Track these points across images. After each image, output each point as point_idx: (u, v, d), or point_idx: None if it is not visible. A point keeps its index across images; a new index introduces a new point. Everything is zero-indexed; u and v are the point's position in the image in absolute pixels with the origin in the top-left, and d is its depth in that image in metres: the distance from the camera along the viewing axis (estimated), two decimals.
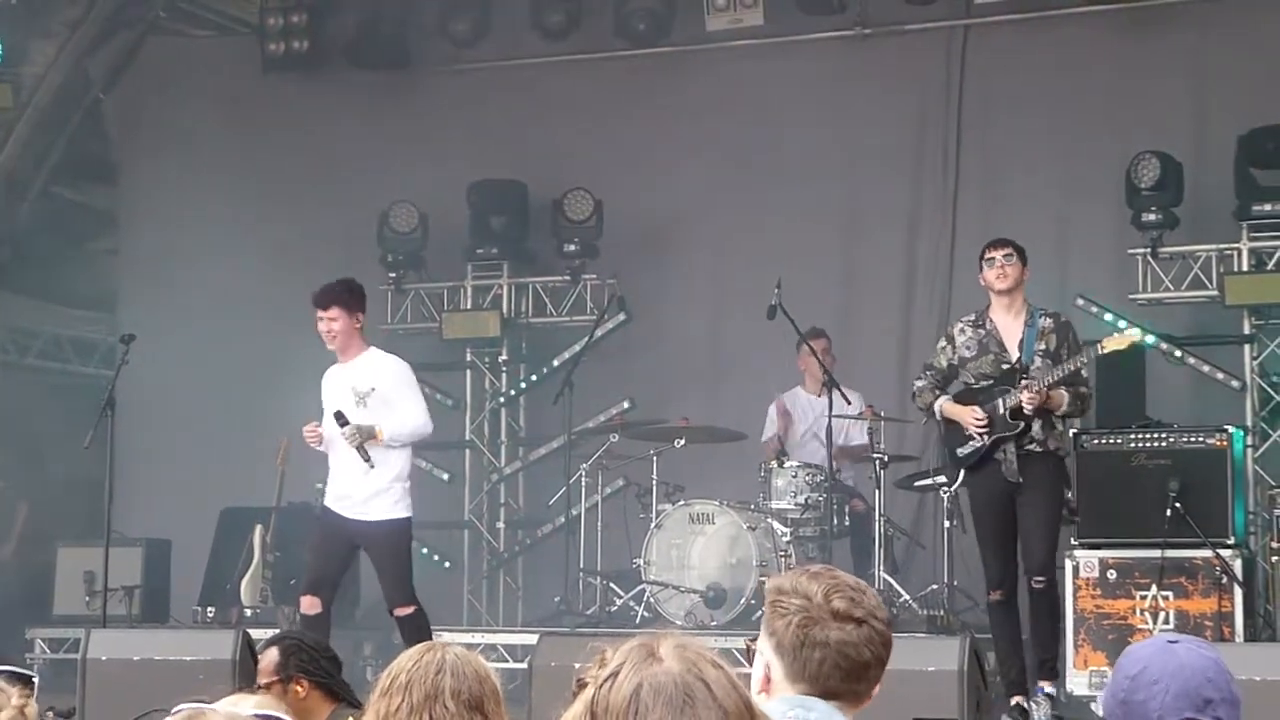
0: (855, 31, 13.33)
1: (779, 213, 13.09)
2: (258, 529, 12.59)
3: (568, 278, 13.76)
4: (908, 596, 11.07)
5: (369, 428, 9.44)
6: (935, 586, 11.10)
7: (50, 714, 8.85)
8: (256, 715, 2.45)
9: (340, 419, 9.44)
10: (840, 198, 13.21)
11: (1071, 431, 9.84)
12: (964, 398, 9.22)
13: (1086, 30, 12.71)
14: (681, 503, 11.40)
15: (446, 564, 13.78)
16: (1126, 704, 3.27)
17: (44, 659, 12.55)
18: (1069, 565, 9.84)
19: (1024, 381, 8.92)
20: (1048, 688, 9.02)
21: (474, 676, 3.65)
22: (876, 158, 13.06)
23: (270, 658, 6.02)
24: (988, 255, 9.20)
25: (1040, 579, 8.96)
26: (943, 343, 9.36)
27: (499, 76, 14.23)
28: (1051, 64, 12.70)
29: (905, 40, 13.26)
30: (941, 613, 10.73)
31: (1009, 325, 9.14)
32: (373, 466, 9.42)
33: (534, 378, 14.01)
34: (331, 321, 9.49)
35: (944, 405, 9.24)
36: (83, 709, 8.60)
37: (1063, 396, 8.96)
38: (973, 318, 9.27)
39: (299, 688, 5.95)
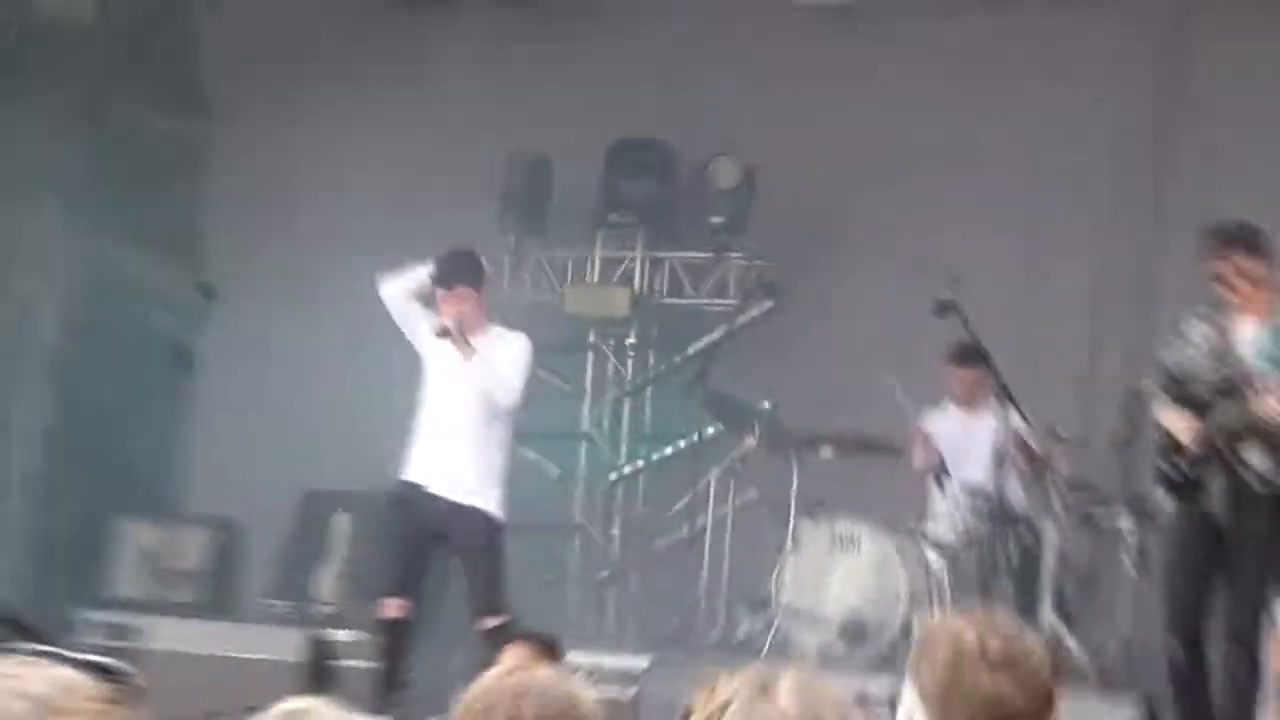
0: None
1: (953, 201, 13.00)
2: (342, 516, 12.71)
3: (711, 254, 13.72)
4: (1078, 646, 10.97)
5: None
6: (1111, 637, 11.01)
7: None
8: None
9: (444, 331, 9.55)
10: (1022, 186, 13.09)
11: None
12: (1181, 402, 9.05)
13: None
14: (823, 521, 11.37)
15: (549, 577, 13.76)
16: None
17: (97, 645, 12.74)
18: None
19: (1258, 385, 8.68)
20: None
21: (566, 701, 3.67)
22: (1064, 140, 12.94)
23: None
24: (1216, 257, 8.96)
25: (1238, 644, 8.75)
26: (1178, 341, 9.17)
27: (648, 21, 14.21)
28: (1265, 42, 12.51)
29: (1100, 14, 13.12)
30: (1117, 667, 10.64)
31: (1245, 324, 8.95)
32: (466, 346, 9.47)
33: (665, 366, 14.01)
34: (462, 303, 9.57)
35: (1161, 410, 9.08)
36: None
37: None
38: (1205, 311, 9.08)
39: None
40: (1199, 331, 9.02)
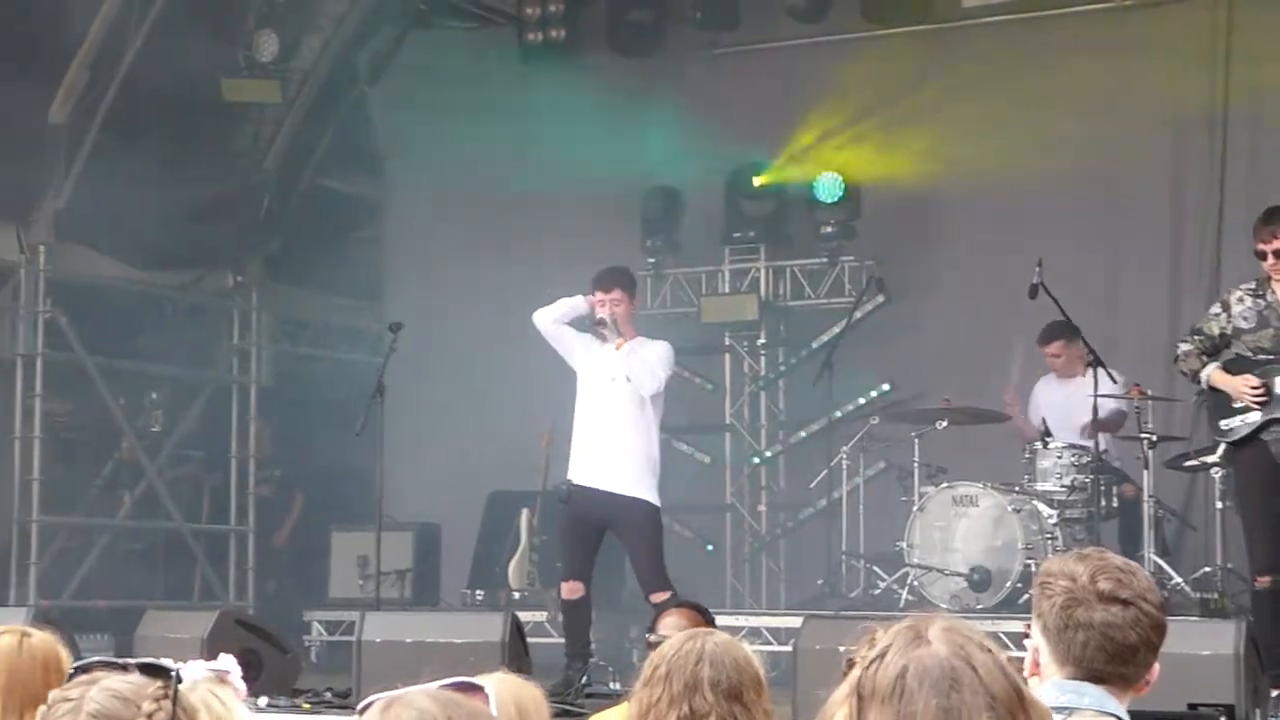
0: (1116, 3, 13.09)
1: (1039, 190, 12.90)
2: (524, 512, 12.81)
3: (825, 260, 13.75)
4: (1179, 579, 10.83)
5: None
6: (1208, 569, 10.87)
7: (328, 694, 9.14)
8: (448, 684, 2.51)
9: (601, 320, 9.59)
10: (1102, 173, 12.99)
11: None
12: (1235, 368, 8.87)
13: None
14: (944, 485, 11.34)
15: (709, 547, 13.87)
16: None
17: (320, 641, 12.93)
18: None
19: None
20: None
21: (733, 666, 3.67)
22: (1138, 131, 12.81)
23: None
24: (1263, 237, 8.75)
25: None
26: (1217, 309, 8.97)
27: (753, 60, 14.25)
28: None
29: (1168, 11, 12.98)
30: (1215, 596, 10.50)
31: None
32: (618, 334, 9.52)
33: (793, 360, 14.02)
34: (615, 304, 9.66)
35: (1213, 373, 8.90)
36: (358, 690, 8.82)
37: None
38: (1253, 286, 8.85)
39: None
40: (1245, 303, 8.85)
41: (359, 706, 2.47)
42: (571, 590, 9.72)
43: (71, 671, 2.49)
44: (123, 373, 13.87)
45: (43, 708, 2.41)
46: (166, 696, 2.34)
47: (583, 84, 14.45)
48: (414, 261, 14.91)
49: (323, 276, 15.31)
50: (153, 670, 2.39)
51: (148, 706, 2.33)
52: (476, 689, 2.60)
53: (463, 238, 14.38)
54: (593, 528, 9.84)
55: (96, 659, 2.50)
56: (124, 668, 2.41)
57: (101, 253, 13.83)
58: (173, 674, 2.37)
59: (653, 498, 9.72)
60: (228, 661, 2.48)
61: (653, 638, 6.39)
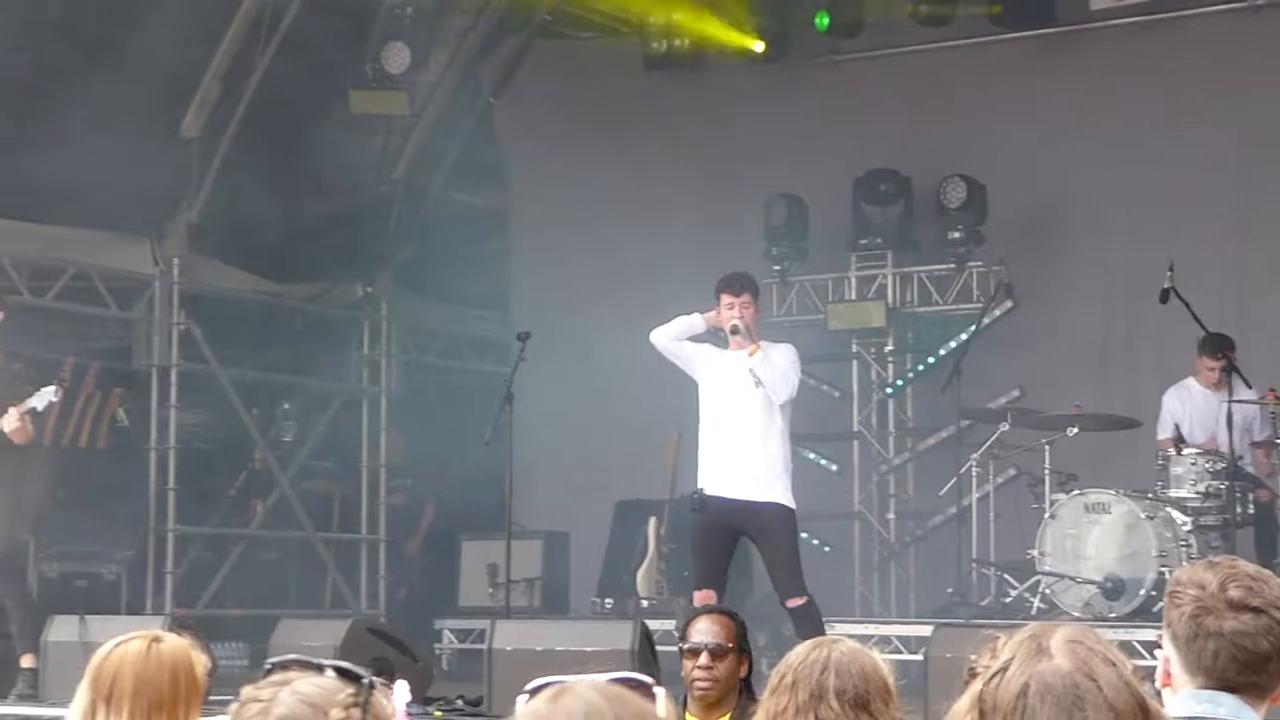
0: (1247, 4, 12.93)
1: (1169, 193, 12.78)
2: (652, 521, 12.84)
3: (953, 266, 13.68)
4: None
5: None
6: None
7: (459, 701, 9.21)
8: (616, 679, 2.48)
9: (734, 328, 9.58)
10: (1233, 176, 12.83)
11: None
12: None
13: None
14: (1076, 492, 11.23)
15: (827, 548, 13.70)
16: None
17: (451, 649, 13.04)
18: None
19: None
20: None
21: (859, 674, 3.65)
22: (1270, 133, 12.64)
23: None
24: None
25: None
26: None
27: (876, 66, 14.21)
28: None
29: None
30: None
31: None
32: (751, 339, 9.53)
33: (921, 367, 13.96)
34: (744, 308, 9.66)
35: None
36: (489, 697, 8.89)
37: None
38: None
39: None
40: None
41: (528, 687, 2.45)
42: (704, 599, 9.69)
43: (267, 667, 2.49)
44: (255, 383, 14.07)
45: (234, 704, 2.42)
46: (356, 705, 2.34)
47: (707, 92, 14.49)
48: (541, 271, 15.00)
49: (451, 287, 15.44)
50: (347, 674, 2.38)
51: (336, 714, 2.34)
52: (645, 687, 2.58)
53: (588, 247, 14.46)
54: (726, 536, 9.78)
55: (292, 657, 2.50)
56: (319, 669, 2.41)
57: (233, 265, 14.04)
58: (365, 681, 2.36)
59: (788, 501, 9.65)
60: (401, 688, 2.48)
61: (685, 646, 6.35)
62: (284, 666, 2.44)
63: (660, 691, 2.63)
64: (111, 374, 13.56)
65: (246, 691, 2.39)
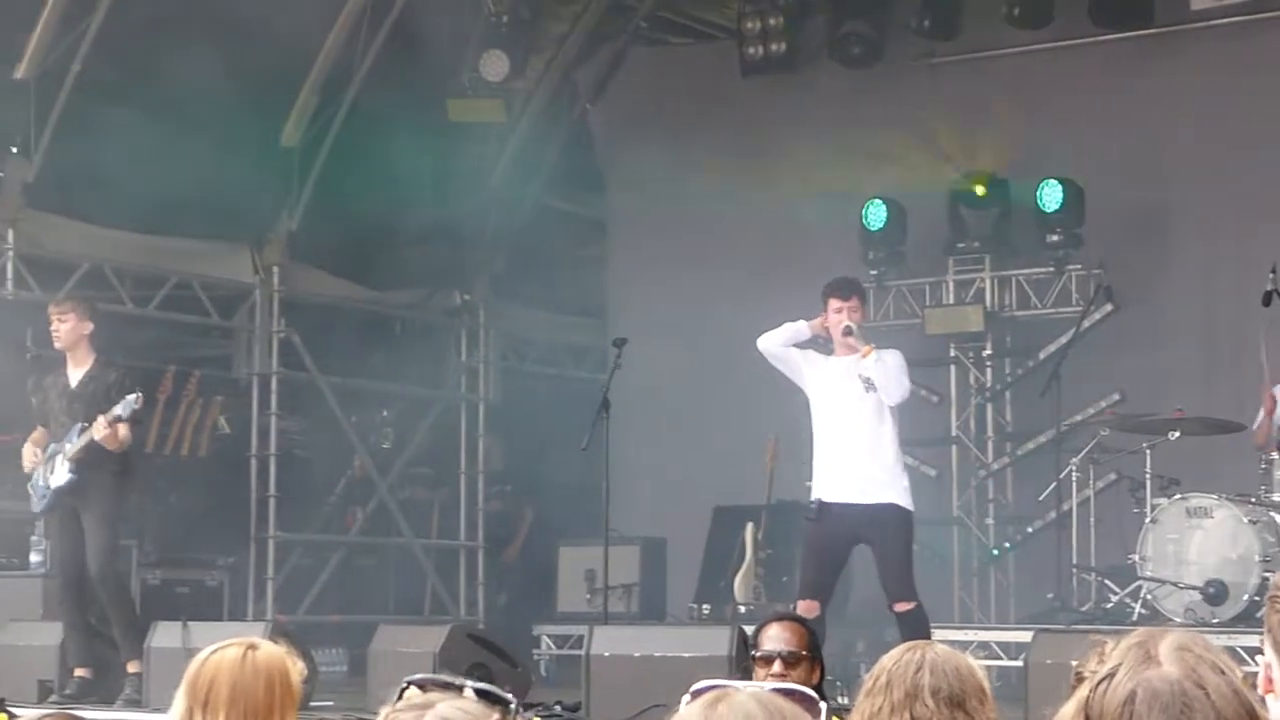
0: None
1: (1271, 195, 12.61)
2: (749, 527, 12.82)
3: (1051, 269, 13.57)
4: None
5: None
6: None
7: (558, 707, 9.22)
8: (782, 689, 2.45)
9: (847, 329, 9.54)
10: None
11: None
12: None
13: None
14: (1177, 496, 11.13)
15: (925, 552, 13.58)
16: None
17: (550, 654, 13.07)
18: None
19: None
20: None
21: (954, 674, 3.64)
22: None
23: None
24: None
25: None
26: None
27: (975, 69, 14.13)
28: None
29: None
30: None
31: None
32: (865, 341, 9.49)
33: (1020, 371, 13.86)
34: (853, 312, 9.63)
35: None
36: (587, 703, 8.91)
37: None
38: None
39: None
40: None
41: (694, 688, 2.43)
42: (809, 609, 9.62)
43: (404, 686, 2.47)
44: (354, 391, 14.16)
45: None
46: None
47: (803, 97, 14.47)
48: (637, 278, 15.02)
49: (548, 294, 15.50)
50: (488, 696, 2.34)
51: None
52: (811, 701, 2.55)
53: (685, 253, 14.46)
54: (843, 545, 9.70)
55: (431, 676, 2.47)
56: (459, 689, 2.37)
57: (332, 273, 14.15)
58: (512, 705, 2.32)
59: (906, 502, 9.58)
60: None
61: (758, 654, 6.28)
62: (421, 686, 2.41)
63: (824, 706, 2.60)
64: (213, 382, 13.70)
65: (384, 712, 2.36)
